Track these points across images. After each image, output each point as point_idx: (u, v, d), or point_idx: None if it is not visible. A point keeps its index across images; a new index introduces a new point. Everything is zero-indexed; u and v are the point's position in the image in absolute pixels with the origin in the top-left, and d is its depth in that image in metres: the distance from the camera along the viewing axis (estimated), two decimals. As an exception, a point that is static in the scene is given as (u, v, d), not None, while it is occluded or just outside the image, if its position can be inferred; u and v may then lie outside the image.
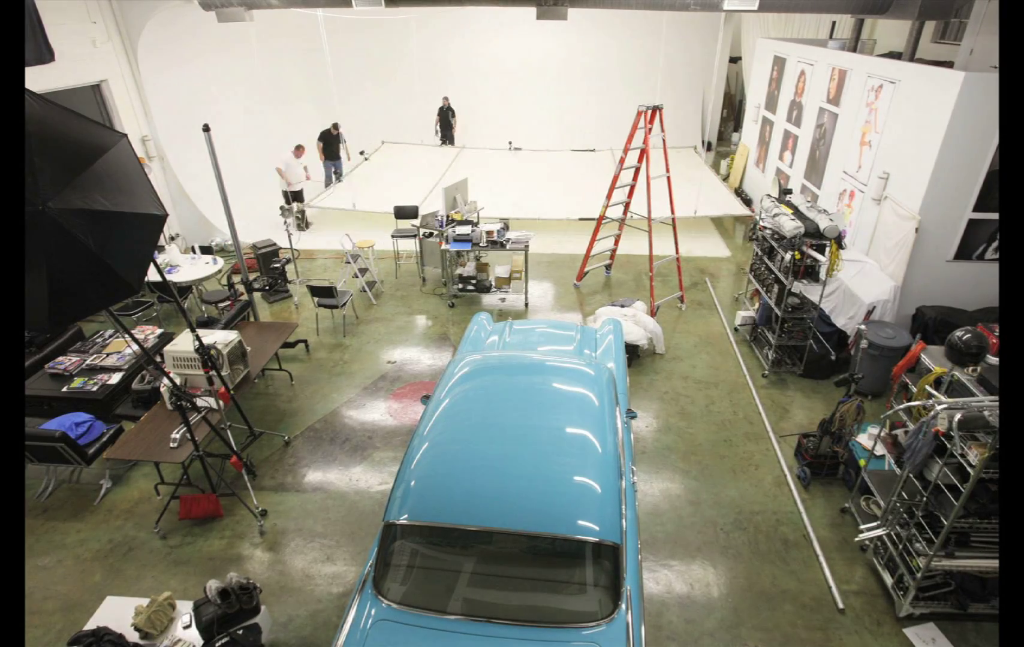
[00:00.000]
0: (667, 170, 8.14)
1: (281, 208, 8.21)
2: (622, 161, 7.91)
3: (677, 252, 8.08)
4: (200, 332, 4.71)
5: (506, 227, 7.98)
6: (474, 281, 8.18)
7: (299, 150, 10.56)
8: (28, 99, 2.68)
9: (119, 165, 3.05)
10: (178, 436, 4.69)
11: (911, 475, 3.82)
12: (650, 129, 7.61)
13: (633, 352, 6.72)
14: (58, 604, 4.13)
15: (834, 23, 11.03)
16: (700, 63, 15.00)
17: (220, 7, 8.23)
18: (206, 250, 8.09)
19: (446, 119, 14.48)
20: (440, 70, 15.17)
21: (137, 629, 3.40)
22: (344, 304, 7.40)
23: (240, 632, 3.46)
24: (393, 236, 8.99)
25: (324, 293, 7.25)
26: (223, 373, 5.06)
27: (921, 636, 3.84)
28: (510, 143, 14.43)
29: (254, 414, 5.94)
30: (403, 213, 9.28)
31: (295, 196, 10.59)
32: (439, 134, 14.64)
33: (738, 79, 16.25)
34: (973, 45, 6.75)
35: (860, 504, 4.70)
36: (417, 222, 9.16)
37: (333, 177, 12.13)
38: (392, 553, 3.13)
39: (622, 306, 7.19)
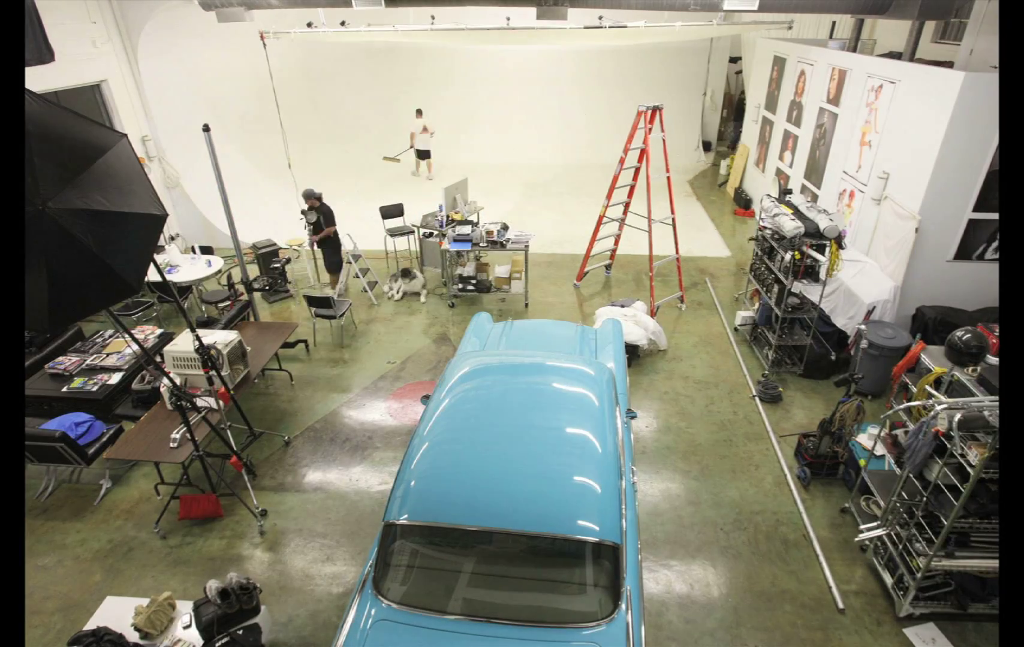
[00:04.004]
0: (667, 170, 8.15)
1: (303, 211, 8.22)
2: (622, 161, 7.92)
3: (677, 252, 8.08)
4: (200, 332, 4.71)
5: (506, 227, 7.98)
6: (474, 281, 8.18)
7: (418, 113, 13.43)
8: (28, 99, 2.68)
9: (119, 165, 3.05)
10: (178, 436, 4.69)
11: (911, 475, 3.82)
12: (650, 129, 7.61)
13: (633, 352, 6.72)
14: (58, 604, 4.13)
15: (834, 23, 11.04)
16: (699, 64, 15.01)
17: (220, 7, 8.23)
18: (206, 250, 8.09)
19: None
20: (439, 79, 15.12)
21: (137, 629, 3.40)
22: (342, 315, 7.16)
23: (240, 632, 3.46)
24: (392, 235, 8.99)
25: (321, 304, 7.00)
26: (223, 373, 5.06)
27: (921, 636, 3.84)
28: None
29: (254, 414, 5.94)
30: (388, 213, 9.24)
31: (422, 154, 13.63)
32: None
33: (738, 79, 16.26)
34: (973, 45, 6.76)
35: (860, 504, 4.70)
36: (404, 219, 9.25)
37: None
38: (392, 553, 3.13)
39: (622, 306, 7.18)
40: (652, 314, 7.44)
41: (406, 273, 8.27)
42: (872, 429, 5.42)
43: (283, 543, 4.58)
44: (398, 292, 8.26)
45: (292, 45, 13.16)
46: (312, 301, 7.03)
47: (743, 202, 11.75)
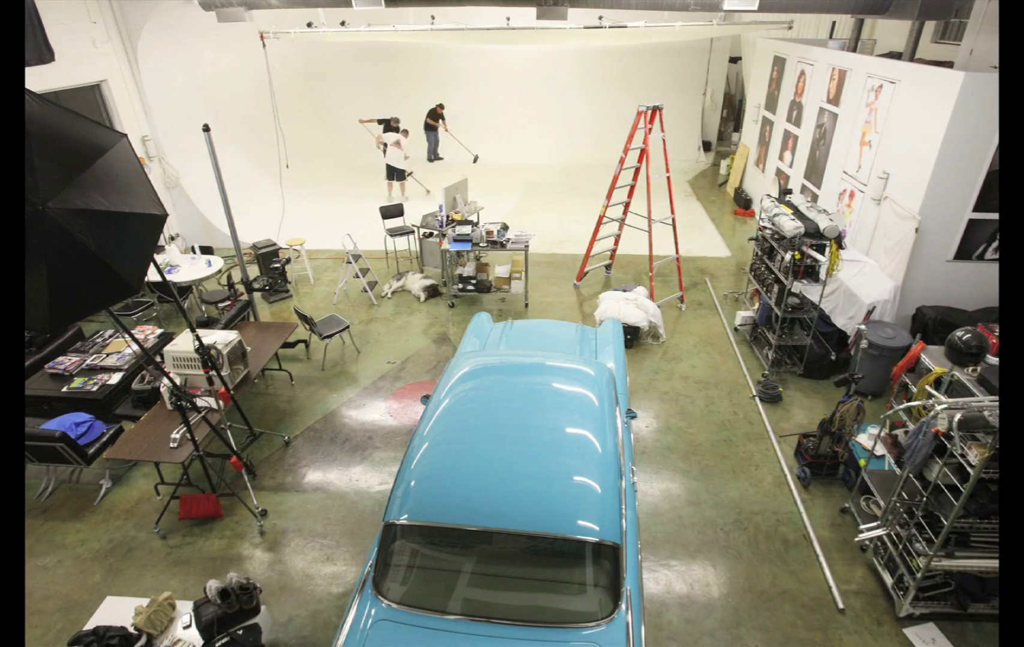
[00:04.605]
0: (667, 170, 8.16)
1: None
2: (622, 161, 7.92)
3: (677, 252, 8.08)
4: (200, 332, 4.71)
5: (506, 227, 7.98)
6: (474, 281, 8.18)
7: (390, 124, 11.90)
8: (28, 99, 2.68)
9: (119, 165, 3.05)
10: (178, 436, 4.69)
11: (911, 475, 3.82)
12: (650, 129, 7.61)
13: (634, 334, 6.90)
14: (58, 604, 4.13)
15: (834, 23, 11.03)
16: (699, 64, 15.01)
17: (220, 7, 8.23)
18: (206, 250, 8.09)
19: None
20: (435, 76, 15.09)
21: (137, 629, 3.40)
22: (331, 336, 6.65)
23: (240, 632, 3.46)
24: (392, 235, 9.00)
25: (311, 323, 6.62)
26: (223, 373, 5.06)
27: (921, 636, 3.84)
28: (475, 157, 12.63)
29: (254, 414, 5.94)
30: (388, 213, 9.26)
31: (394, 172, 11.98)
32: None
33: (738, 79, 16.25)
34: (973, 45, 6.76)
35: (860, 504, 4.70)
36: (404, 219, 9.27)
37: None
38: (392, 553, 3.13)
39: (624, 291, 7.35)
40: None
41: (433, 291, 8.37)
42: (872, 429, 5.42)
43: (283, 543, 4.58)
44: (422, 292, 8.29)
45: (292, 45, 13.16)
46: (304, 318, 6.57)
47: (743, 202, 11.75)
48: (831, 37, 10.24)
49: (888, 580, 4.07)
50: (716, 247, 10.04)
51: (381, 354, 7.05)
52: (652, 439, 5.63)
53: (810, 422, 5.79)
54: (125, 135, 3.16)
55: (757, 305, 7.05)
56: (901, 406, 4.56)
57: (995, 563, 3.65)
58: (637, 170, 8.21)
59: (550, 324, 5.86)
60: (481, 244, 7.81)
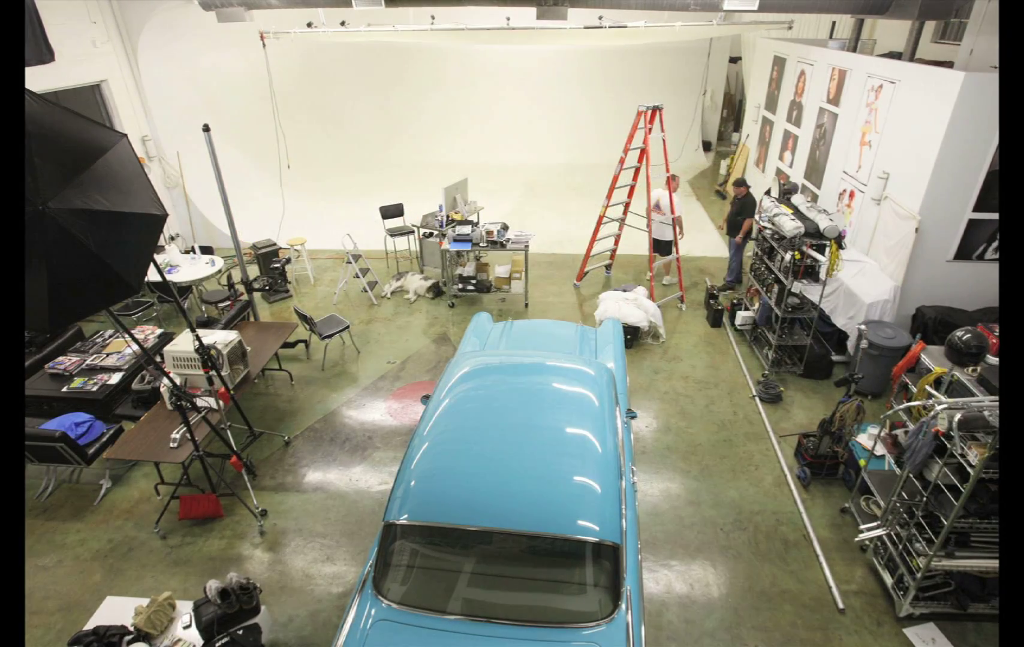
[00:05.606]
0: (667, 170, 8.15)
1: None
2: (622, 161, 7.92)
3: (677, 252, 8.08)
4: (200, 332, 4.71)
5: (506, 227, 7.98)
6: (474, 281, 8.18)
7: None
8: (28, 99, 2.68)
9: (119, 165, 3.05)
10: (178, 436, 4.69)
11: (911, 475, 3.82)
12: (650, 129, 7.61)
13: (634, 334, 6.94)
14: (58, 604, 4.13)
15: (834, 23, 11.03)
16: (699, 64, 15.01)
17: (220, 7, 8.22)
18: (206, 250, 8.09)
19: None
20: (438, 79, 15.09)
21: (137, 629, 3.40)
22: (331, 336, 6.66)
23: (240, 632, 3.46)
24: (392, 235, 9.00)
25: (311, 322, 6.62)
26: (223, 373, 5.06)
27: (921, 636, 3.84)
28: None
29: (254, 414, 5.93)
30: (388, 213, 9.26)
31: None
32: None
33: (738, 79, 16.25)
34: (973, 45, 6.75)
35: (860, 504, 4.70)
36: (404, 219, 9.28)
37: None
38: (392, 553, 3.13)
39: (624, 291, 7.37)
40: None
41: (437, 291, 8.43)
42: (872, 429, 5.42)
43: (283, 543, 4.58)
44: (414, 294, 8.34)
45: (292, 45, 13.14)
46: (303, 317, 6.55)
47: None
48: (831, 37, 10.24)
49: (888, 580, 4.07)
50: (716, 247, 10.04)
51: (381, 354, 7.05)
52: (652, 439, 5.63)
53: (810, 422, 5.79)
54: (125, 135, 3.16)
55: (757, 305, 7.05)
56: (901, 406, 4.56)
57: (995, 563, 3.65)
58: (637, 170, 8.21)
59: (550, 324, 5.86)
60: (481, 244, 7.81)
